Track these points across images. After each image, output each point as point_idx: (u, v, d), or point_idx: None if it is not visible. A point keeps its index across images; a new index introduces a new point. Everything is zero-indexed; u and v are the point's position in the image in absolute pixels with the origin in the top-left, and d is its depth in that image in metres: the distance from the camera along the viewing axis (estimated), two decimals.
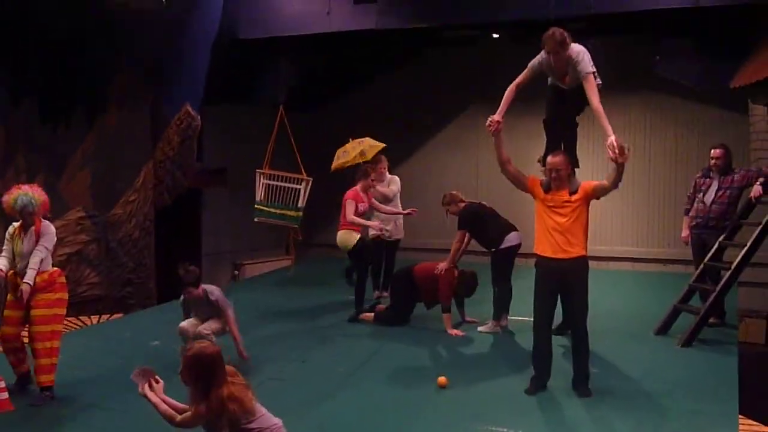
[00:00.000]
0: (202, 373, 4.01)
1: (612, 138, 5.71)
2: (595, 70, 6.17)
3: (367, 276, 9.32)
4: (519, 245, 8.16)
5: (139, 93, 11.04)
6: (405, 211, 9.43)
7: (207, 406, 3.97)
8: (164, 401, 4.22)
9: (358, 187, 9.07)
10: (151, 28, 10.68)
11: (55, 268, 6.42)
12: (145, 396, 4.22)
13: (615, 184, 5.84)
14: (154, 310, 10.38)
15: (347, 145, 10.21)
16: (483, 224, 8.21)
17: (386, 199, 9.64)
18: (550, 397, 6.13)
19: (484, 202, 8.54)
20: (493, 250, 8.18)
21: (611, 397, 6.09)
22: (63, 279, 6.42)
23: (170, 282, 11.36)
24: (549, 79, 6.53)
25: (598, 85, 6.20)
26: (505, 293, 8.22)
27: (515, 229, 8.15)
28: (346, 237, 8.95)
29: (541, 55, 6.36)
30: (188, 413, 4.09)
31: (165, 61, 10.99)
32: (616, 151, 5.60)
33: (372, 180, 9.13)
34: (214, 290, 6.88)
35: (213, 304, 6.81)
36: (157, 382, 4.26)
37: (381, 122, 14.31)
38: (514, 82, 6.40)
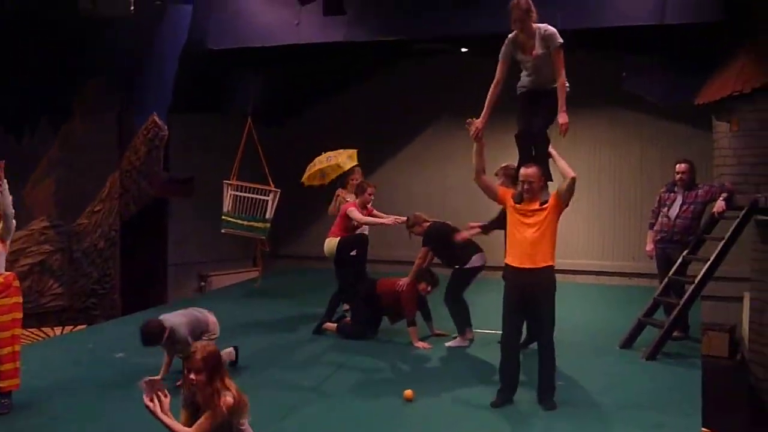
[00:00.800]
0: (218, 367, 4.16)
1: (563, 114, 6.22)
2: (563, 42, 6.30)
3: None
4: (483, 266, 8.18)
5: (106, 101, 10.96)
6: (389, 220, 8.82)
7: (231, 400, 4.09)
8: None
9: (356, 202, 8.94)
10: (120, 36, 10.62)
11: (9, 272, 6.31)
12: (150, 410, 4.13)
13: (566, 173, 6.07)
14: (119, 321, 10.24)
15: (321, 157, 10.10)
16: (448, 243, 8.20)
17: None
18: (516, 410, 6.13)
19: (449, 222, 8.51)
20: (457, 267, 8.20)
21: (576, 410, 6.11)
22: (17, 283, 6.33)
23: (135, 293, 11.30)
24: (518, 89, 6.55)
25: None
26: (459, 309, 8.21)
27: (481, 250, 8.17)
28: (334, 244, 8.86)
29: (507, 40, 6.44)
30: (204, 420, 4.10)
31: (133, 70, 10.92)
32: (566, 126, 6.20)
33: (369, 195, 8.96)
34: (177, 330, 6.72)
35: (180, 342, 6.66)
36: (165, 396, 4.19)
37: (350, 134, 14.28)
38: (493, 82, 6.46)
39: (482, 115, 6.43)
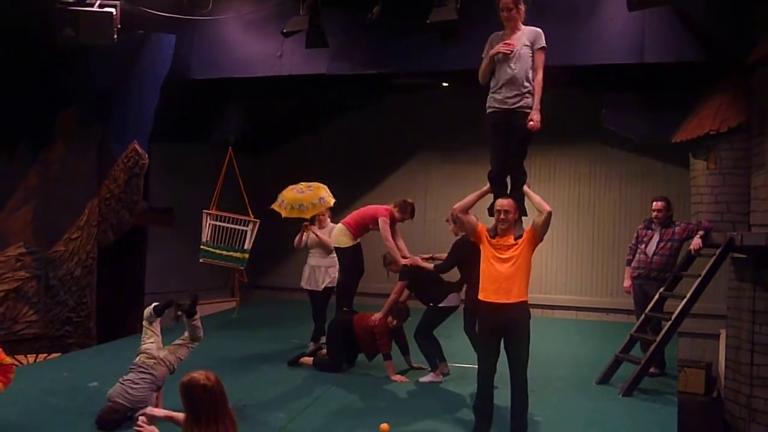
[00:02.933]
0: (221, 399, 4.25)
1: (536, 112, 6.31)
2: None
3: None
4: (457, 306, 8.18)
5: (86, 129, 10.92)
6: (406, 260, 8.40)
7: None
8: None
9: (393, 214, 8.71)
10: (102, 64, 10.61)
11: None
12: None
13: (542, 208, 6.10)
14: (94, 350, 10.14)
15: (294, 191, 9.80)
16: (425, 280, 8.23)
17: (325, 248, 9.45)
18: None
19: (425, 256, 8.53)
20: (431, 305, 8.20)
21: None
22: None
23: (111, 322, 11.20)
24: (488, 109, 6.58)
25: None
26: (430, 345, 8.19)
27: (457, 290, 8.18)
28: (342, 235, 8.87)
29: (490, 37, 6.58)
30: None
31: (114, 98, 10.90)
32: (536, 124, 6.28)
33: (406, 218, 8.79)
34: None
35: None
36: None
37: (331, 166, 14.33)
38: (479, 78, 6.64)
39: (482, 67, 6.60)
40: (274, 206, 9.60)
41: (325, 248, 9.45)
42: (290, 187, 9.76)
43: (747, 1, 8.43)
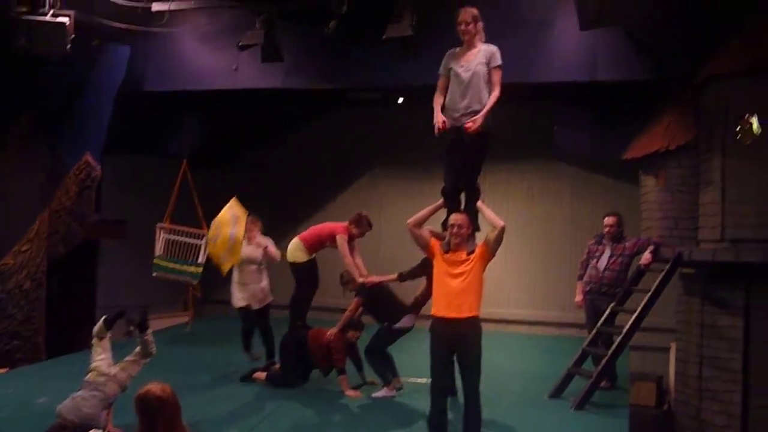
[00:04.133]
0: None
1: (480, 117, 6.38)
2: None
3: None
4: (411, 328, 8.20)
5: (38, 139, 10.79)
6: (363, 279, 8.35)
7: None
8: None
9: (350, 230, 8.65)
10: (55, 74, 10.48)
11: None
12: None
13: (496, 223, 6.17)
14: (42, 365, 9.97)
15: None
16: (382, 299, 8.25)
17: (252, 262, 9.11)
18: None
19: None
20: (386, 324, 8.22)
21: None
22: None
23: (61, 336, 11.01)
24: (445, 142, 6.64)
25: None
26: (380, 360, 8.21)
27: (412, 312, 8.20)
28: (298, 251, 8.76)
29: (447, 54, 6.68)
30: None
31: (67, 109, 10.77)
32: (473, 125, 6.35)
33: (363, 233, 8.73)
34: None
35: None
36: None
37: (284, 180, 14.36)
38: (437, 92, 6.70)
39: (435, 114, 6.62)
40: (225, 267, 8.90)
41: (252, 262, 9.12)
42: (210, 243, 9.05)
43: (695, 22, 8.63)
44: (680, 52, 8.84)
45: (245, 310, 9.15)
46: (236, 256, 8.64)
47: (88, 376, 6.54)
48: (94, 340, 6.81)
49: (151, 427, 4.16)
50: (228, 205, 8.94)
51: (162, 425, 4.14)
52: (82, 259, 11.67)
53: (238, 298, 9.17)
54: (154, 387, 4.23)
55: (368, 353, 8.22)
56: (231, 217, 8.71)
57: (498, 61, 6.52)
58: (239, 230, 8.57)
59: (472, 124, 6.35)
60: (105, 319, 6.83)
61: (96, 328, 6.84)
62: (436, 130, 6.56)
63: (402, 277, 8.02)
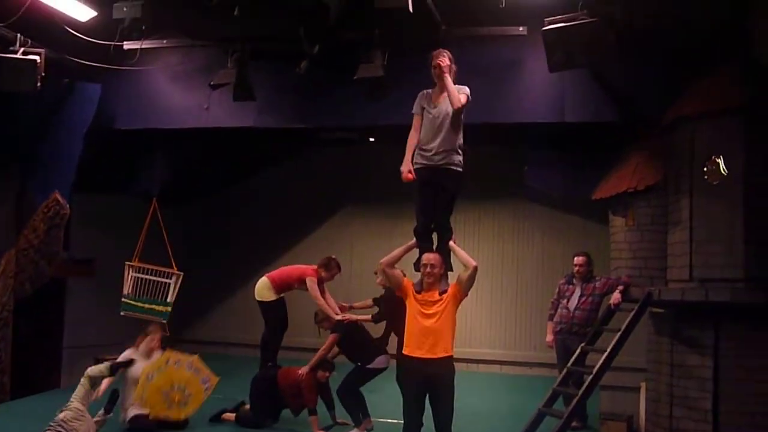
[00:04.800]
0: None
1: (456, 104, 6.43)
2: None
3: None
4: (385, 369, 8.19)
5: (5, 177, 10.67)
6: (338, 316, 8.32)
7: None
8: None
9: (319, 274, 8.64)
10: (24, 111, 10.42)
11: None
12: None
13: (468, 263, 6.18)
14: (7, 406, 9.77)
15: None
16: (356, 339, 8.24)
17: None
18: None
19: (359, 322, 8.51)
20: (359, 364, 8.18)
21: None
22: None
23: (26, 376, 10.81)
24: (415, 165, 6.66)
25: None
26: (353, 400, 8.19)
27: (386, 353, 8.19)
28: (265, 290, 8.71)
29: (419, 95, 6.75)
30: None
31: (36, 146, 10.69)
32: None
33: (332, 275, 8.71)
34: None
35: None
36: None
37: (256, 218, 14.34)
38: (411, 133, 6.71)
39: (405, 160, 6.61)
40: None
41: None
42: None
43: (662, 66, 8.79)
44: (648, 95, 9.00)
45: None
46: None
47: (60, 415, 6.43)
48: (84, 381, 6.68)
49: None
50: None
51: None
52: (49, 297, 11.52)
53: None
54: None
55: (340, 392, 8.17)
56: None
57: (466, 93, 6.60)
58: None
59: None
60: (111, 366, 6.72)
61: (93, 370, 6.71)
62: (403, 177, 6.59)
63: (375, 319, 8.04)
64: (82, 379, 6.85)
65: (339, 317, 8.25)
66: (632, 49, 8.38)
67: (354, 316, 8.32)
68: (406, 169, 6.57)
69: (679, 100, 8.38)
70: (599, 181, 9.69)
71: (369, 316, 8.19)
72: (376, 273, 8.14)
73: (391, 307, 7.72)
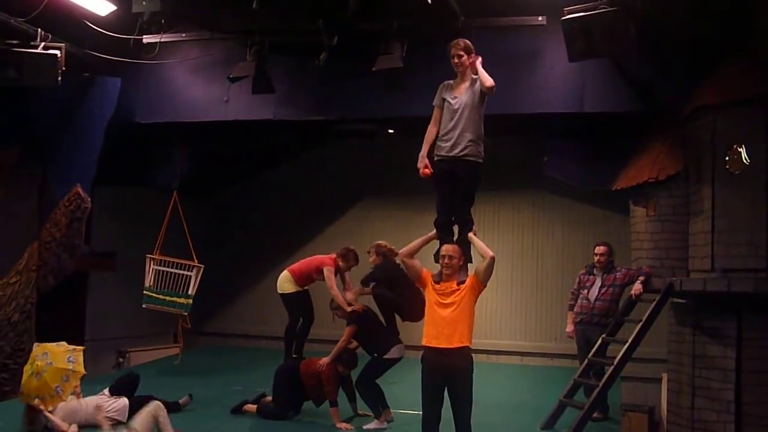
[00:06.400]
0: None
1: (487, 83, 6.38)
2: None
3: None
4: (400, 359, 8.20)
5: (28, 171, 10.74)
6: (350, 308, 8.30)
7: None
8: None
9: (336, 263, 8.69)
10: (45, 105, 10.49)
11: None
12: None
13: (485, 253, 6.15)
14: None
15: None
16: (373, 329, 8.25)
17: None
18: None
19: (371, 311, 8.52)
20: (375, 355, 8.20)
21: None
22: None
23: None
24: (435, 157, 6.64)
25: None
26: (372, 393, 8.19)
27: (401, 342, 8.19)
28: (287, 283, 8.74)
29: (440, 86, 6.68)
30: None
31: (57, 140, 10.76)
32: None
33: (351, 265, 8.76)
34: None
35: None
36: None
37: (275, 210, 14.37)
38: (430, 124, 6.66)
39: (421, 155, 6.59)
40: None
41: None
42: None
43: (682, 55, 8.72)
44: (668, 83, 8.93)
45: None
46: (72, 387, 7.49)
47: None
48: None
49: None
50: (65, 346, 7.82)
51: None
52: (71, 291, 11.60)
53: None
54: None
55: (359, 386, 8.19)
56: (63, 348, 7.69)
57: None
58: (79, 364, 7.54)
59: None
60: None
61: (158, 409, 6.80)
62: (420, 173, 6.60)
63: (375, 294, 8.25)
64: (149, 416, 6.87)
65: (351, 308, 8.26)
66: (652, 38, 8.32)
67: (359, 306, 8.31)
68: (423, 164, 6.56)
69: (699, 90, 8.32)
70: (618, 172, 9.64)
71: (368, 289, 8.25)
72: (369, 252, 8.33)
73: (389, 279, 8.01)
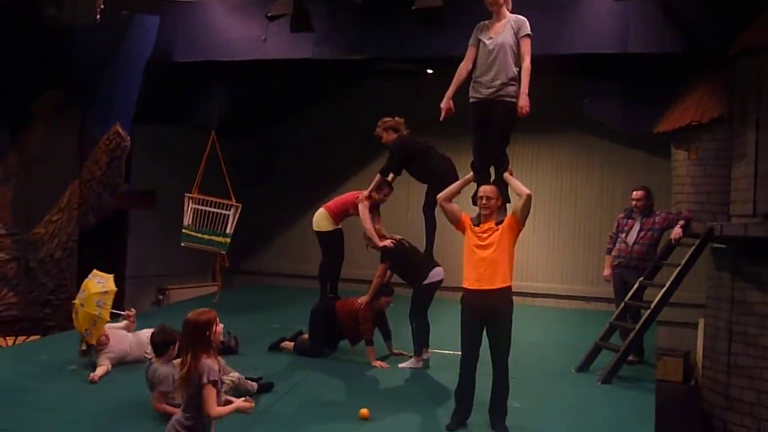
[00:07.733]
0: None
1: (524, 97, 6.25)
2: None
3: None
4: (442, 281, 8.17)
5: (68, 110, 10.85)
6: (383, 242, 8.24)
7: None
8: None
9: (371, 197, 8.61)
10: (84, 44, 10.52)
11: None
12: None
13: (521, 191, 6.10)
14: (73, 333, 10.05)
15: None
16: (407, 259, 8.23)
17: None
18: None
19: (405, 241, 8.52)
20: (416, 284, 8.21)
21: None
22: None
23: None
24: (470, 99, 6.58)
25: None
26: (422, 327, 8.17)
27: (438, 265, 8.17)
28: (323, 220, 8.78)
29: (477, 26, 6.62)
30: None
31: (96, 79, 10.82)
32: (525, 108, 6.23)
33: (385, 195, 8.70)
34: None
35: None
36: None
37: (313, 150, 14.37)
38: (462, 63, 6.61)
39: (447, 94, 6.59)
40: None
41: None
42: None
43: None
44: (714, 24, 8.72)
45: None
46: (99, 332, 7.57)
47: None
48: None
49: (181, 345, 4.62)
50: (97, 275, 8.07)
51: (182, 344, 4.54)
52: (112, 229, 11.77)
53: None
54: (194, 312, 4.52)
55: (412, 317, 8.16)
56: (100, 287, 7.82)
57: (527, 30, 6.43)
58: (105, 310, 7.61)
59: (523, 107, 6.24)
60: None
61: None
62: (443, 112, 6.57)
63: (382, 172, 8.52)
64: None
65: (383, 244, 8.26)
66: None
67: (389, 241, 8.26)
68: (447, 105, 6.54)
69: (746, 31, 8.11)
70: (660, 114, 9.50)
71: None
72: (377, 135, 8.72)
73: (409, 155, 8.51)
